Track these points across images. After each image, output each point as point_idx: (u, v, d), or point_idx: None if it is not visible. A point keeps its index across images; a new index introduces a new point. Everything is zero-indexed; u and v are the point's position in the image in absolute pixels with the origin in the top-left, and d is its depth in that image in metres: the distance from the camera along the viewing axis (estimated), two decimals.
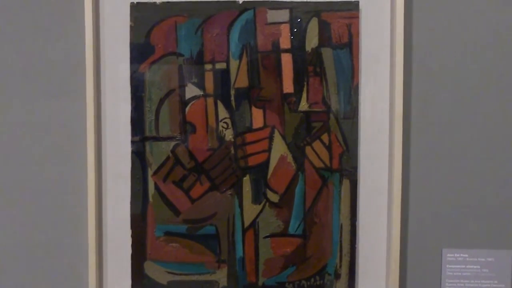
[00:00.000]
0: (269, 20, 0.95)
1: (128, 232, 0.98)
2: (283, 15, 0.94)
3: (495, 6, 0.95)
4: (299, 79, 0.95)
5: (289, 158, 0.96)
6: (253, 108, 0.96)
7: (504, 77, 0.96)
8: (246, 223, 0.97)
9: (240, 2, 0.95)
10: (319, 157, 0.96)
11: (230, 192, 0.97)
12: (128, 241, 0.98)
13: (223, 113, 0.96)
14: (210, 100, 0.96)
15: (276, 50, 0.95)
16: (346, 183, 0.96)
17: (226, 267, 0.98)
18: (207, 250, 0.98)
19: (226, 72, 0.95)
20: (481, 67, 0.96)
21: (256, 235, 0.97)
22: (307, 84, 0.95)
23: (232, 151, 0.96)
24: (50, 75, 0.98)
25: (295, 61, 0.95)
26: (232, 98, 0.96)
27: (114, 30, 0.96)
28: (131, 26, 0.96)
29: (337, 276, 0.97)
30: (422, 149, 0.97)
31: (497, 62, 0.96)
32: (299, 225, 0.97)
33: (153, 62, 0.96)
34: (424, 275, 0.99)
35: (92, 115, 0.95)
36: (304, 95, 0.95)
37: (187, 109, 0.96)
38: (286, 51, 0.95)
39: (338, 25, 0.94)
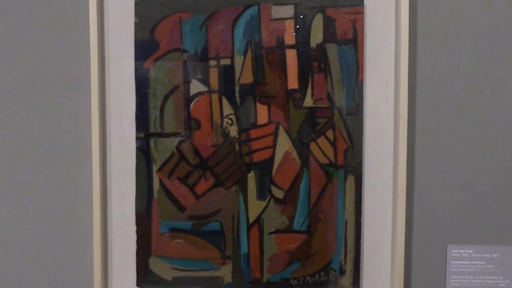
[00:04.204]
0: (274, 16, 0.95)
1: (133, 228, 0.98)
2: (288, 11, 0.94)
3: (502, 1, 0.95)
4: (303, 75, 0.95)
5: (294, 154, 0.96)
6: (258, 104, 0.96)
7: (510, 74, 0.96)
8: (251, 219, 0.97)
9: None
10: (323, 153, 0.96)
11: (234, 188, 0.97)
12: (133, 237, 0.98)
13: (227, 109, 0.96)
14: (215, 96, 0.96)
15: (281, 46, 0.95)
16: (351, 179, 0.96)
17: (231, 263, 0.98)
18: (212, 246, 0.98)
19: (230, 68, 0.95)
20: (487, 63, 0.96)
21: (261, 231, 0.97)
22: (312, 80, 0.95)
23: (237, 147, 0.96)
24: (54, 71, 0.98)
25: (299, 57, 0.95)
26: (237, 94, 0.96)
27: (118, 27, 0.96)
28: (135, 23, 0.96)
29: (342, 272, 0.98)
30: (426, 145, 0.97)
31: (503, 59, 0.95)
32: (303, 221, 0.97)
33: (158, 59, 0.96)
34: (428, 271, 0.99)
35: (97, 112, 0.95)
36: (309, 91, 0.95)
37: (191, 105, 0.96)
38: (290, 47, 0.95)
39: (343, 21, 0.94)
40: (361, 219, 0.97)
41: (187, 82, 0.96)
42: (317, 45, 0.95)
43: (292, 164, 0.96)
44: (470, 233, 0.98)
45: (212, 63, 0.95)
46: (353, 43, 0.95)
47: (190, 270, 0.98)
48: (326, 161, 0.96)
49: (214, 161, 0.97)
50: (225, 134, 0.96)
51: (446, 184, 0.97)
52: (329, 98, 0.95)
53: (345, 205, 0.97)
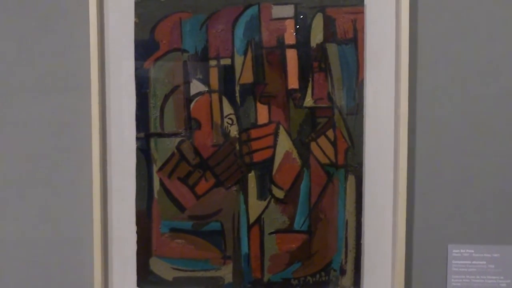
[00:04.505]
0: (274, 15, 0.94)
1: (134, 228, 0.98)
2: (288, 10, 0.94)
3: (502, 1, 0.95)
4: (304, 75, 0.95)
5: (294, 154, 0.96)
6: (258, 104, 0.96)
7: (510, 73, 0.96)
8: (251, 219, 0.97)
9: None
10: (324, 153, 0.96)
11: (235, 188, 0.97)
12: (134, 237, 0.98)
13: (228, 109, 0.96)
14: (215, 96, 0.96)
15: (281, 45, 0.95)
16: (351, 179, 0.96)
17: (232, 263, 0.98)
18: (213, 246, 0.98)
19: (231, 68, 0.95)
20: (487, 63, 0.95)
21: (261, 231, 0.97)
22: (312, 80, 0.95)
23: (237, 147, 0.96)
24: (55, 71, 0.98)
25: (300, 57, 0.95)
26: (237, 94, 0.95)
27: (118, 27, 0.96)
28: (135, 23, 0.96)
29: (343, 272, 0.97)
30: (427, 144, 0.97)
31: (503, 58, 0.95)
32: (304, 221, 0.97)
33: (158, 59, 0.96)
34: (429, 271, 0.98)
35: (97, 112, 0.95)
36: (309, 90, 0.95)
37: (192, 105, 0.96)
38: (291, 46, 0.95)
39: (343, 21, 0.94)
40: (362, 219, 0.97)
41: (187, 82, 0.96)
42: (317, 44, 0.95)
43: (292, 164, 0.96)
44: (471, 233, 0.98)
45: (212, 63, 0.95)
46: (354, 42, 0.94)
47: (191, 270, 0.98)
48: (327, 161, 0.96)
49: (215, 161, 0.97)
50: (226, 134, 0.96)
51: (447, 184, 0.97)
52: (330, 98, 0.95)
53: (345, 205, 0.97)
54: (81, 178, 0.98)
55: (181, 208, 0.97)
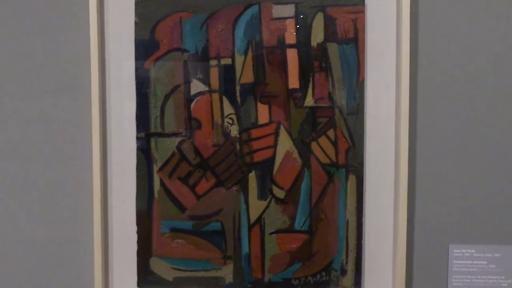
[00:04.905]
0: (275, 15, 0.94)
1: (134, 228, 0.98)
2: (289, 10, 0.94)
3: (503, 1, 0.94)
4: (304, 75, 0.95)
5: (295, 154, 0.96)
6: (259, 104, 0.95)
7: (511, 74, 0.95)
8: (252, 219, 0.97)
9: None
10: (325, 152, 0.96)
11: (235, 188, 0.97)
12: (134, 237, 0.98)
13: (228, 109, 0.96)
14: (216, 96, 0.96)
15: (282, 45, 0.95)
16: (352, 179, 0.96)
17: (232, 264, 0.98)
18: (213, 246, 0.98)
19: (231, 68, 0.95)
20: (489, 62, 0.95)
21: (262, 231, 0.97)
22: (313, 80, 0.95)
23: (238, 147, 0.96)
24: (55, 71, 0.98)
25: (300, 57, 0.95)
26: (238, 93, 0.95)
27: (118, 26, 0.96)
28: (135, 22, 0.95)
29: (343, 272, 0.97)
30: (428, 144, 0.97)
31: (505, 58, 0.95)
32: (305, 221, 0.97)
33: (158, 58, 0.96)
34: (430, 271, 0.98)
35: (97, 112, 0.95)
36: (310, 90, 0.95)
37: (192, 105, 0.96)
38: (291, 46, 0.94)
39: (343, 20, 0.94)
40: (363, 219, 0.97)
41: (187, 82, 0.96)
42: (318, 44, 0.94)
43: (293, 163, 0.96)
44: (472, 233, 0.98)
45: (213, 62, 0.95)
46: (354, 42, 0.94)
47: (191, 271, 0.98)
48: (327, 161, 0.96)
49: (215, 161, 0.96)
50: (226, 134, 0.96)
51: (448, 184, 0.97)
52: (330, 98, 0.95)
53: (346, 205, 0.96)
54: (81, 178, 0.98)
55: (181, 208, 0.97)
